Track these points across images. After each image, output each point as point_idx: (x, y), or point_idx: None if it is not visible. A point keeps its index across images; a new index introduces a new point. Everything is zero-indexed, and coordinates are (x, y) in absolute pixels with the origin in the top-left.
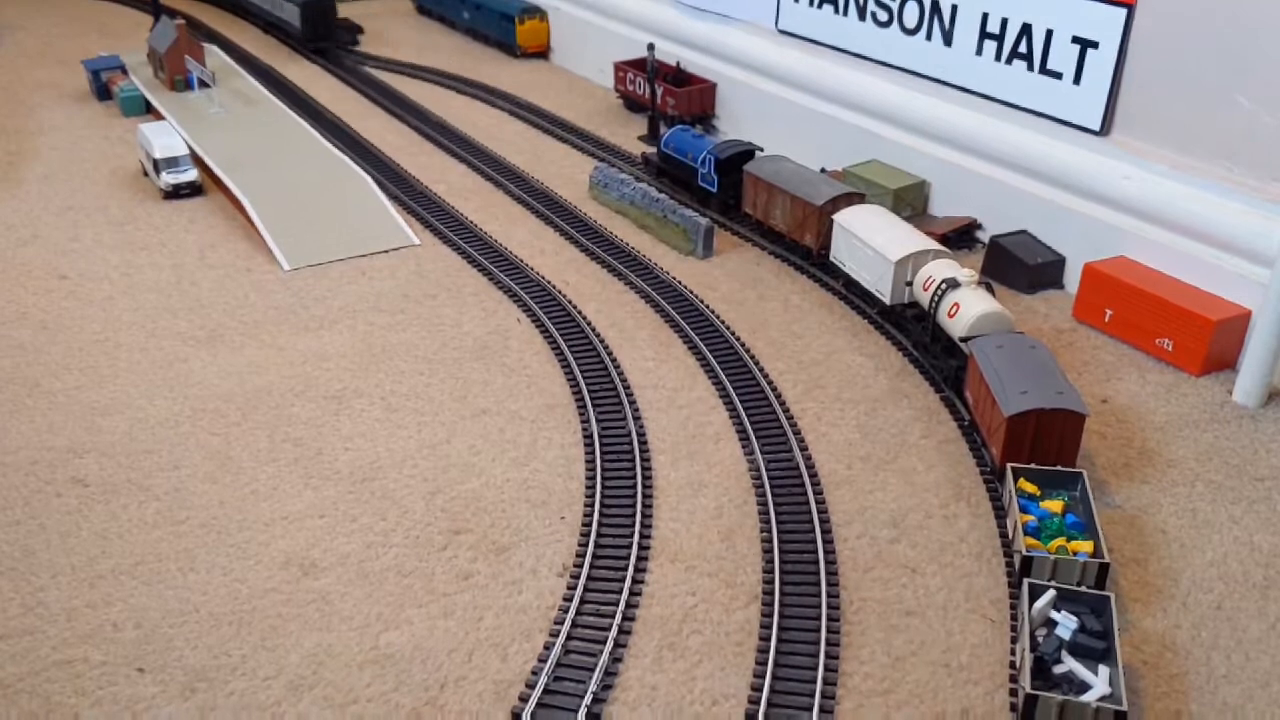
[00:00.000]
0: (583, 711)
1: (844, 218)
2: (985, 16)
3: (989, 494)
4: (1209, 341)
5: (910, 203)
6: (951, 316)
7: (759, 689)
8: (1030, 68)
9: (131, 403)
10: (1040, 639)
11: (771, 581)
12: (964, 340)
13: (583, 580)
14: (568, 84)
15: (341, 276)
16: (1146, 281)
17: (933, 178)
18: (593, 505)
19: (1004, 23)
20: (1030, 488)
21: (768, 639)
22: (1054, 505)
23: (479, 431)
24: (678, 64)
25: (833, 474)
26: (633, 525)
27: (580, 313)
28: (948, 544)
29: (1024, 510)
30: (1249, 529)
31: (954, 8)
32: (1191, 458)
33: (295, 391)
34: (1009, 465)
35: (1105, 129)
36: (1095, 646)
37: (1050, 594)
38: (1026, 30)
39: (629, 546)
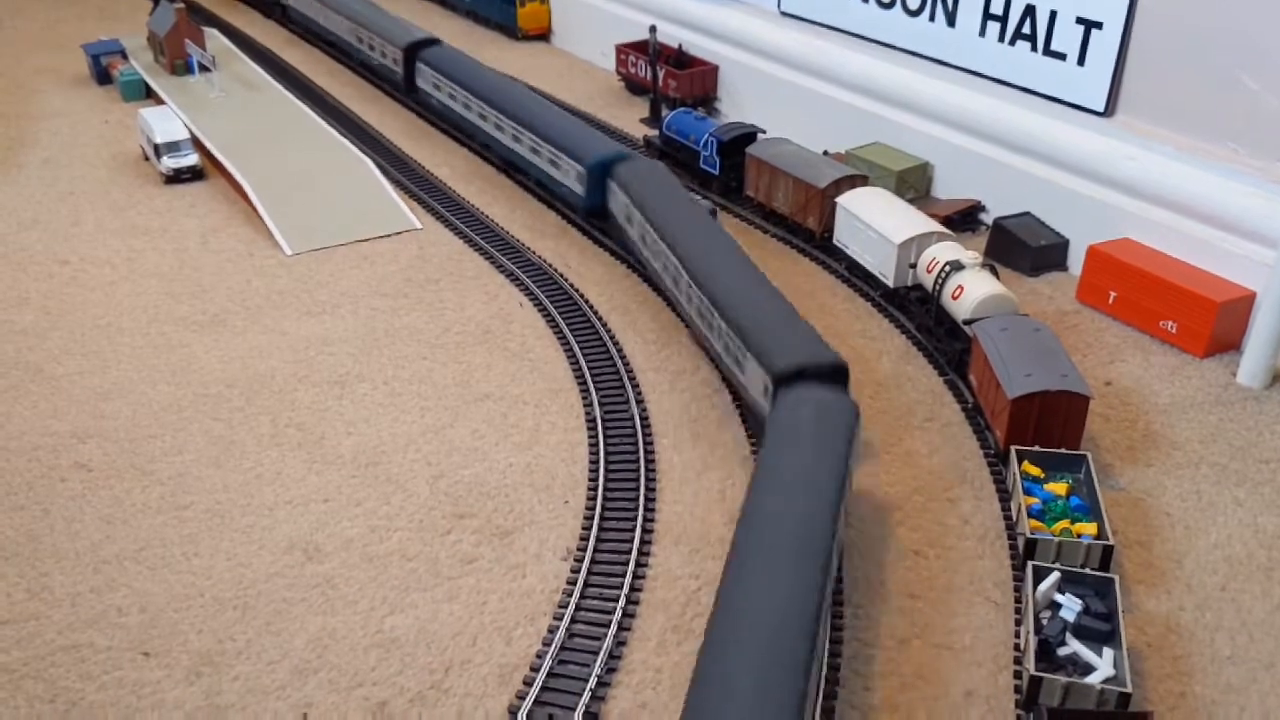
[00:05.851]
0: (587, 694)
1: (847, 200)
2: None
3: (993, 477)
4: (1213, 323)
5: (913, 185)
6: (955, 299)
7: None
8: (1034, 49)
9: (134, 388)
10: (1045, 621)
11: None
12: (968, 323)
13: (586, 564)
14: (569, 66)
15: (344, 261)
16: (1150, 263)
17: (936, 160)
18: (596, 489)
19: (1007, 4)
20: (1034, 470)
21: None
22: (1058, 488)
23: (482, 416)
24: (679, 46)
25: None
26: (636, 508)
27: (583, 296)
28: (951, 527)
29: (1028, 493)
30: (1253, 511)
31: None
32: (1196, 440)
33: (298, 376)
34: (1013, 448)
35: (1109, 110)
36: (1099, 629)
37: (1054, 576)
38: (1030, 11)
39: (632, 530)
